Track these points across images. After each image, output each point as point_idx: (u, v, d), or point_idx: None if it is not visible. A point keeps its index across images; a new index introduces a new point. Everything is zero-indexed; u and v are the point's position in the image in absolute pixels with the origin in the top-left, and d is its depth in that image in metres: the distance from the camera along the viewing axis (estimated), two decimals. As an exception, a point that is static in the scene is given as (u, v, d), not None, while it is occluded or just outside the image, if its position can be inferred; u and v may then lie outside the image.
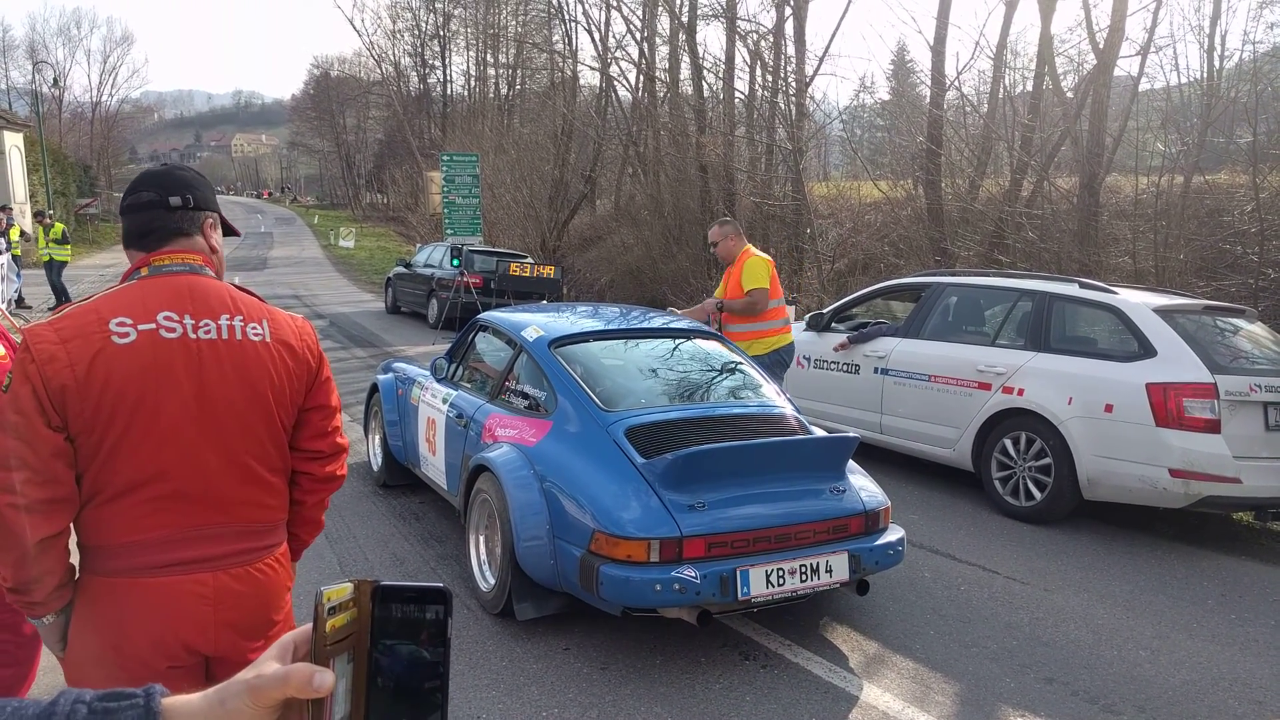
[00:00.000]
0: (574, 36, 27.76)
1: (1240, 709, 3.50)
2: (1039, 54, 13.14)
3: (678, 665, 3.68)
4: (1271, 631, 4.25)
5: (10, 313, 12.69)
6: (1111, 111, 11.86)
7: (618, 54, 23.29)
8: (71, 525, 1.70)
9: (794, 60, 16.62)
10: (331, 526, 5.00)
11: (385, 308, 17.53)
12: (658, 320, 5.19)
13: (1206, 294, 8.51)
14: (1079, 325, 6.08)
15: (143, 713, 0.63)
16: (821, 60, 17.49)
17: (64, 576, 1.70)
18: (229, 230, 1.97)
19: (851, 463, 4.10)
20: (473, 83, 43.22)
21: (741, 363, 4.75)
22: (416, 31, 47.58)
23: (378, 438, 6.17)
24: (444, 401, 5.05)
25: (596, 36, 23.69)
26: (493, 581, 4.09)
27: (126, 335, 1.66)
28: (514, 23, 36.54)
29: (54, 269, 15.39)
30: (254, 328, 1.80)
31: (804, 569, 3.61)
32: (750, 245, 6.07)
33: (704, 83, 19.31)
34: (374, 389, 6.26)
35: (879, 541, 3.88)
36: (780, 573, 3.56)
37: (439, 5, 44.59)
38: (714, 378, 4.61)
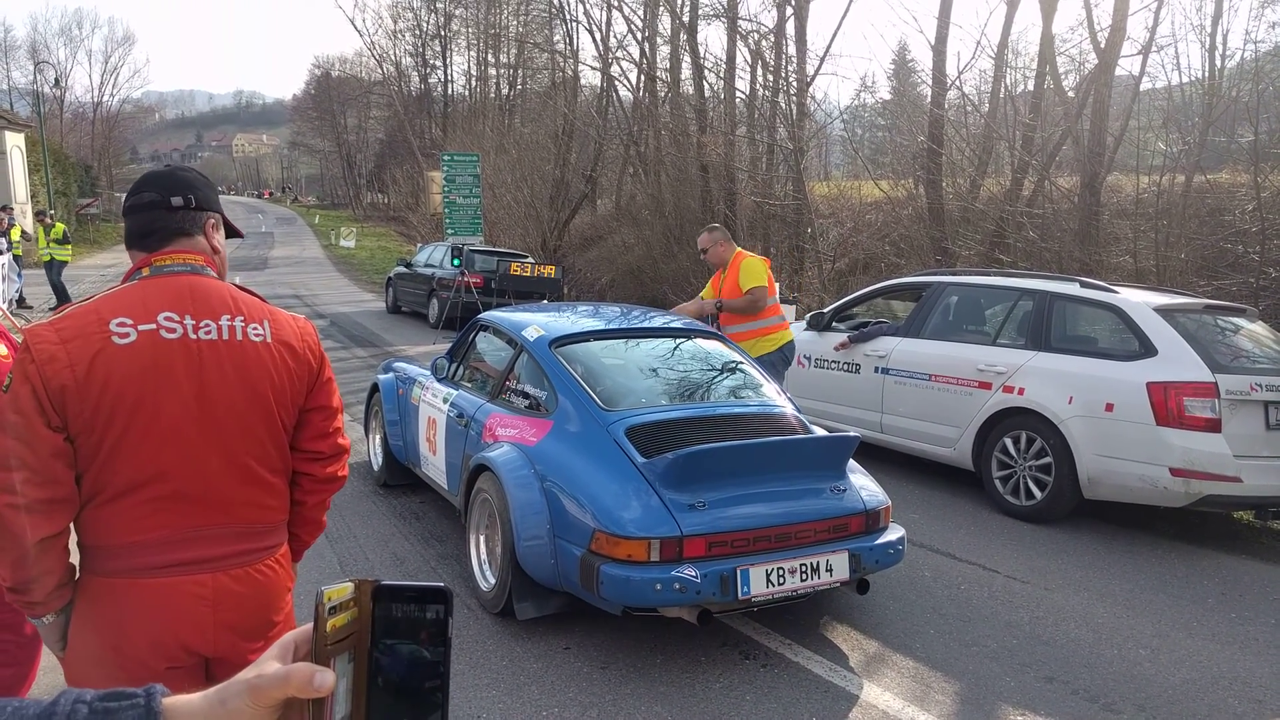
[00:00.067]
0: (575, 36, 27.78)
1: (1240, 708, 3.50)
2: (1040, 53, 13.13)
3: (678, 664, 3.68)
4: (1272, 630, 4.25)
5: (11, 313, 12.70)
6: (1113, 111, 11.86)
7: (619, 54, 23.31)
8: (71, 525, 1.70)
9: (795, 60, 16.62)
10: (332, 526, 5.00)
11: (386, 307, 17.53)
12: (658, 320, 5.20)
13: (1207, 293, 8.51)
14: (1080, 324, 6.08)
15: (143, 712, 0.64)
16: (822, 60, 17.49)
17: (63, 576, 1.70)
18: (232, 231, 1.97)
19: (852, 462, 4.10)
20: (474, 83, 43.23)
21: (742, 362, 4.75)
22: (418, 31, 47.62)
23: (378, 437, 6.17)
24: (445, 401, 5.05)
25: (597, 36, 23.72)
26: (493, 581, 4.10)
27: (127, 336, 1.66)
28: (515, 23, 36.54)
29: (55, 269, 15.40)
30: (255, 328, 1.80)
31: (804, 568, 3.62)
32: (740, 248, 6.11)
33: (705, 82, 19.31)
34: (374, 389, 6.26)
35: (879, 541, 3.88)
36: (780, 572, 3.56)
37: (440, 5, 44.61)
38: (714, 377, 4.61)
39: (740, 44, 17.93)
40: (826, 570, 3.67)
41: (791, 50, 16.74)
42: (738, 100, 18.44)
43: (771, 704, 3.40)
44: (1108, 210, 11.35)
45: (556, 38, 30.59)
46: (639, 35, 21.41)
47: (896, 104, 20.06)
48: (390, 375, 6.14)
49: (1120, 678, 3.71)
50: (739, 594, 3.46)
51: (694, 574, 3.39)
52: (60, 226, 15.96)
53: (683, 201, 18.39)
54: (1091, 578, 4.83)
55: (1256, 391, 5.23)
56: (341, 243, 34.98)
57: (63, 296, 15.05)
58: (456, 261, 13.95)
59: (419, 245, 21.37)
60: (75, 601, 1.73)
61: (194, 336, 1.72)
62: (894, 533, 3.98)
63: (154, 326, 1.69)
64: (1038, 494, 5.71)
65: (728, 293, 5.90)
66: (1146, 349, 5.40)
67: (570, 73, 26.96)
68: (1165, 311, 5.54)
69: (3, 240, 14.61)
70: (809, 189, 16.27)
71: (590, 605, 3.69)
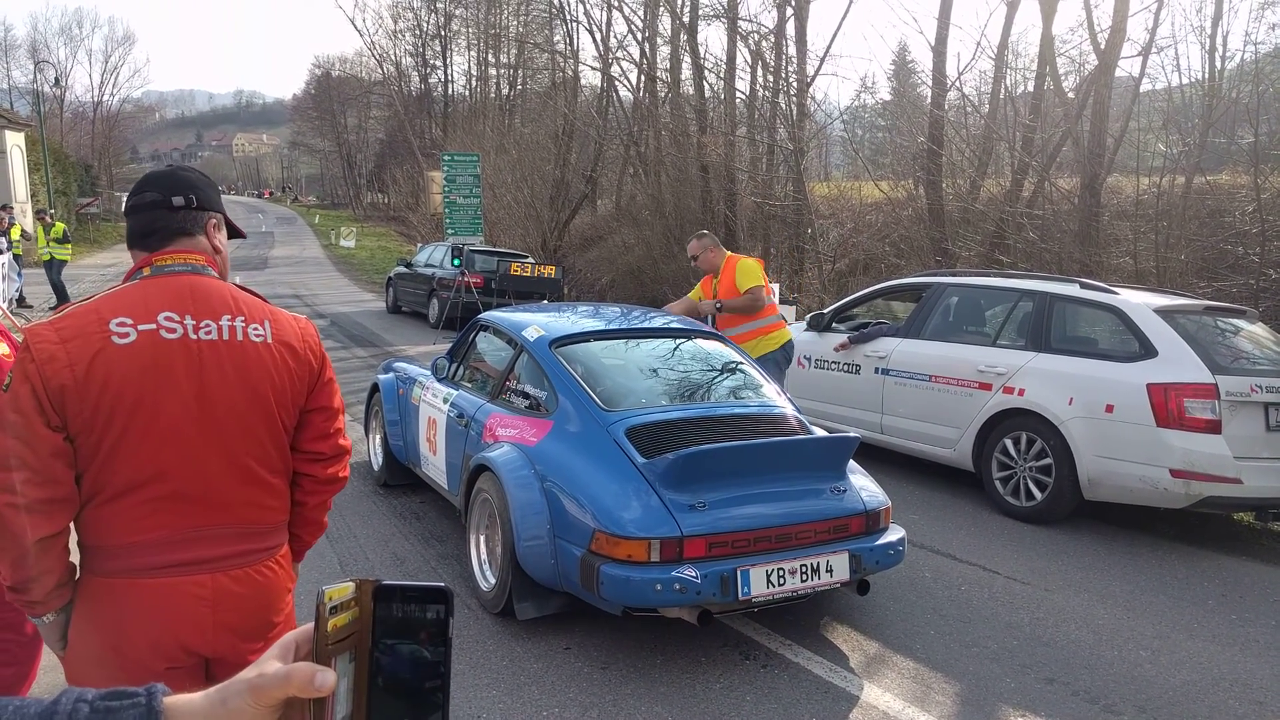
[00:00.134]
0: (575, 37, 27.79)
1: (1241, 709, 3.50)
2: (1040, 54, 13.14)
3: (678, 665, 3.68)
4: (1272, 632, 4.25)
5: (11, 312, 12.69)
6: (1113, 112, 11.86)
7: (619, 54, 23.31)
8: (72, 525, 1.70)
9: (795, 60, 16.62)
10: (332, 526, 5.00)
11: (386, 307, 17.53)
12: (658, 320, 5.19)
13: (1207, 294, 8.51)
14: (1080, 325, 6.08)
15: (145, 712, 0.63)
16: (822, 60, 17.47)
17: (63, 576, 1.70)
18: (234, 231, 1.96)
19: (852, 463, 4.10)
20: (474, 83, 43.25)
21: (742, 363, 4.75)
22: (418, 31, 47.63)
23: (378, 437, 6.17)
24: (445, 401, 5.05)
25: (598, 36, 23.72)
26: (493, 581, 4.09)
27: (126, 335, 1.66)
28: (515, 23, 36.55)
29: (54, 268, 15.40)
30: (255, 329, 1.79)
31: (804, 569, 3.61)
32: (729, 252, 6.16)
33: (705, 83, 19.32)
34: (375, 388, 6.26)
35: (879, 541, 3.88)
36: (781, 572, 3.56)
37: (440, 5, 44.61)
38: (714, 378, 4.61)
39: (740, 44, 17.95)
40: (827, 571, 3.66)
41: (792, 51, 16.75)
42: (738, 101, 18.44)
43: (772, 705, 3.39)
44: (1108, 211, 11.36)
45: (557, 38, 30.61)
46: (639, 35, 21.43)
47: (897, 105, 20.06)
48: (390, 375, 6.14)
49: (1121, 679, 3.71)
50: (739, 594, 3.46)
51: (694, 574, 3.39)
52: (60, 226, 15.96)
53: (683, 202, 18.39)
54: (1092, 579, 4.82)
55: (1257, 393, 5.23)
56: (342, 242, 34.98)
57: (62, 296, 15.05)
58: (457, 261, 13.95)
59: (419, 245, 21.37)
60: (75, 601, 1.73)
61: (194, 336, 1.72)
62: (894, 533, 3.98)
63: (154, 326, 1.69)
64: (1038, 495, 5.71)
65: (724, 295, 5.91)
66: (1147, 350, 5.40)
67: (570, 73, 26.98)
68: (1165, 313, 5.54)
69: (3, 240, 14.61)
70: (809, 189, 16.28)
71: (590, 605, 3.69)
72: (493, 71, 40.38)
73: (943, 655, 3.87)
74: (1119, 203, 11.64)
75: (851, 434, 4.03)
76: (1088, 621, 4.27)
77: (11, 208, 19.00)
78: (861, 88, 45.86)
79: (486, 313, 5.38)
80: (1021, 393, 5.81)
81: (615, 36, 23.82)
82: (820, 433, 4.23)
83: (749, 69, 17.98)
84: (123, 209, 2.05)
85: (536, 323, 4.72)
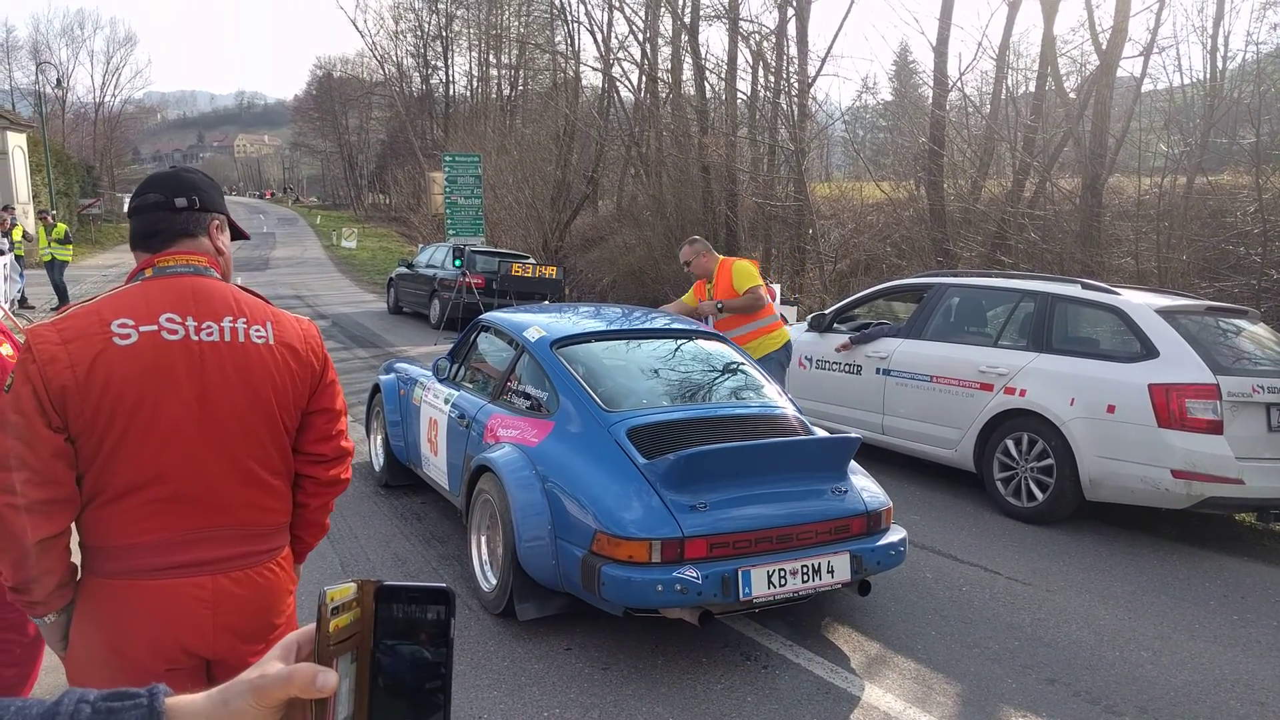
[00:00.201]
0: (576, 37, 27.81)
1: (1242, 710, 3.50)
2: (1042, 55, 13.13)
3: (679, 666, 3.68)
4: (1274, 633, 4.24)
5: (13, 313, 12.71)
6: (1114, 112, 11.86)
7: (620, 55, 23.31)
8: (74, 526, 1.70)
9: (796, 61, 16.63)
10: (333, 527, 4.99)
11: (387, 308, 17.54)
12: (660, 321, 5.20)
13: (1209, 295, 8.50)
14: (1081, 326, 6.08)
15: (146, 713, 0.63)
16: (824, 61, 17.43)
17: (64, 576, 1.70)
18: (237, 233, 1.95)
19: (853, 463, 4.10)
20: (475, 83, 43.26)
21: (743, 363, 4.75)
22: (419, 32, 47.63)
23: (379, 438, 6.17)
24: (446, 402, 5.05)
25: (599, 37, 23.72)
26: (494, 582, 4.09)
27: (128, 337, 1.66)
28: (516, 24, 36.57)
29: (56, 269, 15.42)
30: (257, 330, 1.79)
31: (805, 569, 3.61)
32: (721, 256, 6.18)
33: (706, 83, 19.33)
34: (376, 389, 6.27)
35: (881, 542, 3.88)
36: (782, 573, 3.56)
37: (441, 6, 44.63)
38: (716, 378, 4.61)
39: (741, 45, 17.95)
40: (828, 571, 3.66)
41: (793, 51, 16.75)
42: (739, 101, 18.45)
43: (773, 705, 3.39)
44: (1109, 212, 11.35)
45: (558, 39, 30.64)
46: (640, 36, 21.43)
47: (898, 105, 20.08)
48: (391, 376, 6.14)
49: (1122, 680, 3.70)
50: (740, 595, 3.46)
51: (695, 575, 3.39)
52: (62, 227, 15.98)
53: (684, 202, 18.39)
54: (1093, 579, 4.82)
55: (1258, 393, 5.23)
56: (343, 243, 35.00)
57: (64, 297, 15.07)
58: (458, 262, 13.95)
59: (420, 246, 21.39)
60: (77, 602, 1.73)
61: (196, 338, 1.72)
62: (895, 534, 3.98)
63: (155, 328, 1.69)
64: (1039, 495, 5.71)
65: (722, 297, 5.93)
66: (1148, 350, 5.40)
67: (571, 74, 27.00)
68: (1167, 313, 5.54)
69: (4, 240, 14.62)
70: (810, 190, 16.28)
71: (591, 606, 3.69)
72: (494, 72, 40.42)
73: (944, 656, 3.87)
74: (1120, 203, 11.63)
75: (853, 434, 4.03)
76: (1089, 622, 4.26)
77: (13, 209, 19.01)
78: (863, 88, 45.83)
79: (487, 313, 5.38)
80: (1023, 393, 5.81)
81: (616, 37, 23.85)
82: (821, 433, 4.22)
83: (750, 69, 18.01)
84: (125, 210, 2.04)
85: (538, 323, 4.72)
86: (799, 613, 4.20)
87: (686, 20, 19.06)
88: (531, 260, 16.13)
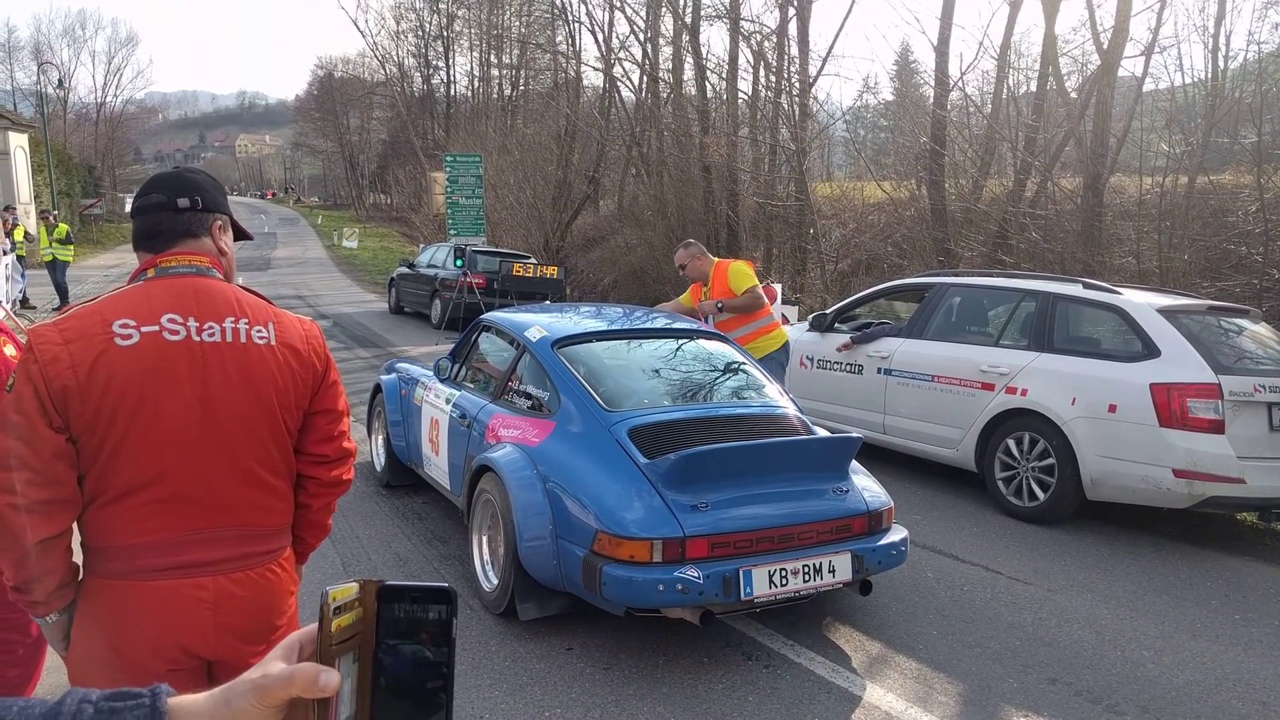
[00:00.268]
0: (577, 37, 27.83)
1: (1244, 710, 3.50)
2: (1043, 54, 13.12)
3: (681, 665, 3.68)
4: (1276, 632, 4.24)
5: (15, 313, 12.72)
6: (1115, 112, 11.85)
7: (621, 55, 23.31)
8: (75, 526, 1.70)
9: (797, 61, 16.62)
10: (334, 527, 4.99)
11: (388, 308, 17.55)
12: (661, 321, 5.20)
13: (1210, 294, 8.50)
14: (1083, 325, 6.07)
15: (149, 712, 0.63)
16: (825, 61, 17.42)
17: (65, 576, 1.70)
18: (240, 234, 1.95)
19: (854, 463, 4.10)
20: (476, 83, 43.28)
21: (744, 363, 4.75)
22: (420, 32, 47.64)
23: (381, 438, 6.18)
24: (447, 402, 5.05)
25: (600, 37, 23.74)
26: (495, 581, 4.10)
27: (129, 337, 1.66)
28: (518, 24, 36.58)
29: (57, 269, 15.43)
30: (259, 330, 1.79)
31: (807, 569, 3.61)
32: (715, 258, 6.21)
33: (707, 83, 19.33)
34: (377, 389, 6.27)
35: (882, 542, 3.87)
36: (783, 573, 3.56)
37: (443, 6, 44.64)
38: (717, 378, 4.61)
39: (743, 45, 17.94)
40: (829, 571, 3.66)
41: (794, 51, 16.75)
42: (740, 101, 18.45)
43: (774, 705, 3.39)
44: (1110, 211, 11.34)
45: (559, 38, 30.66)
46: (641, 36, 21.45)
47: (899, 105, 20.08)
48: (393, 376, 6.15)
49: (1124, 679, 3.70)
50: (741, 595, 3.46)
51: (696, 575, 3.39)
52: (63, 227, 15.99)
53: (685, 202, 18.39)
54: (1095, 579, 4.82)
55: (1260, 393, 5.22)
56: (344, 243, 35.00)
57: (65, 297, 15.08)
58: (459, 262, 13.96)
59: (421, 246, 21.39)
60: (78, 602, 1.73)
61: (197, 338, 1.72)
62: (897, 534, 3.98)
63: (157, 328, 1.69)
64: (1041, 495, 5.71)
65: (719, 299, 5.95)
66: (1150, 350, 5.40)
67: (573, 73, 27.01)
68: (1168, 313, 5.54)
69: (6, 241, 14.62)
70: (812, 190, 16.28)
71: (593, 606, 3.69)
72: (495, 72, 40.41)
73: (945, 655, 3.87)
74: (1122, 203, 11.62)
75: (854, 434, 4.03)
76: (1090, 622, 4.26)
77: (15, 209, 19.04)
78: (864, 88, 45.87)
79: (489, 313, 5.38)
80: (1024, 393, 5.81)
81: (618, 37, 23.85)
82: (822, 433, 4.23)
83: (751, 69, 18.01)
84: (128, 210, 2.04)
85: (539, 323, 4.72)
86: (800, 612, 4.20)
87: (687, 20, 19.06)
88: (533, 260, 16.14)
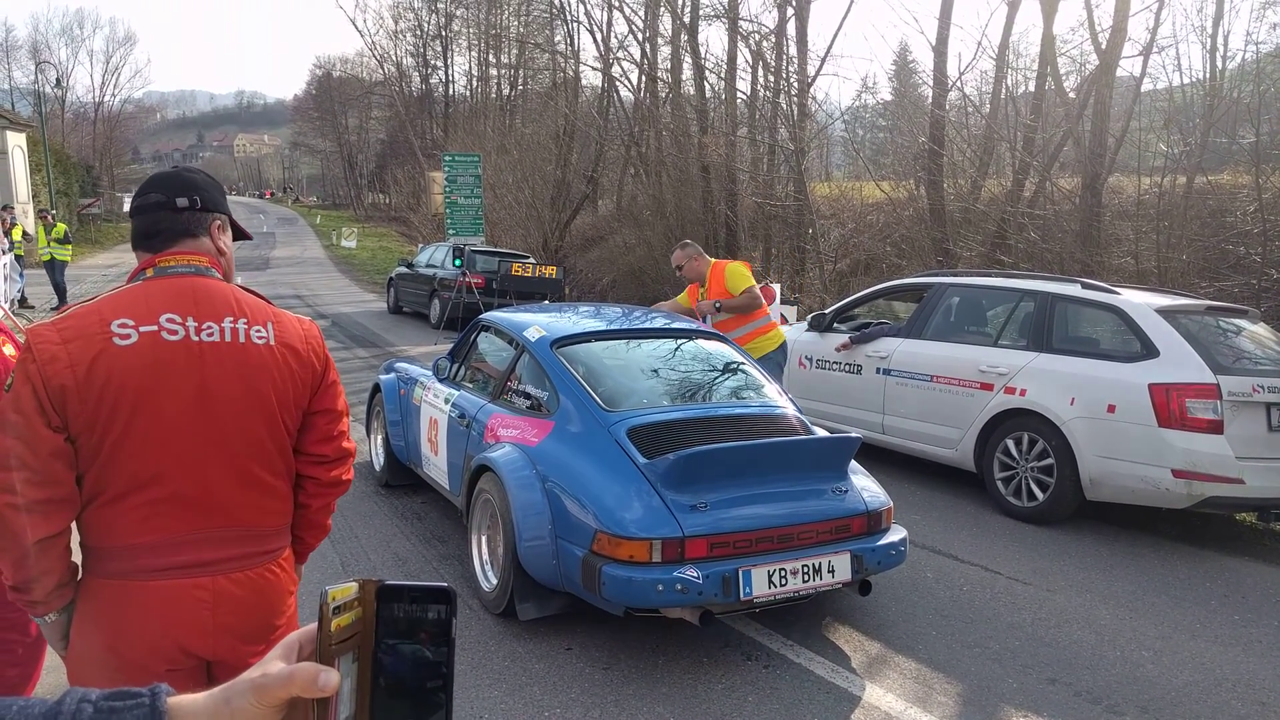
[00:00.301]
0: (576, 37, 27.79)
1: (1243, 710, 3.50)
2: (1041, 54, 13.13)
3: (680, 665, 3.68)
4: (1275, 632, 4.24)
5: (13, 312, 12.70)
6: (1114, 112, 11.85)
7: (620, 54, 23.31)
8: (74, 525, 1.70)
9: (796, 60, 16.63)
10: (334, 526, 5.00)
11: (387, 308, 17.55)
12: (660, 320, 5.20)
13: (1209, 294, 8.50)
14: (1081, 326, 6.08)
15: (148, 712, 0.63)
16: (823, 60, 17.41)
17: (64, 576, 1.69)
18: (239, 233, 1.95)
19: (854, 463, 4.10)
20: (475, 83, 43.26)
21: (743, 363, 4.75)
22: (419, 32, 47.62)
23: (380, 438, 6.18)
24: (446, 401, 5.05)
25: (598, 37, 23.73)
26: (495, 581, 4.09)
27: (128, 337, 1.66)
28: (516, 23, 36.56)
29: (56, 268, 15.42)
30: (258, 330, 1.79)
31: (806, 569, 3.61)
32: (713, 259, 6.22)
33: (706, 83, 19.32)
34: (376, 389, 6.27)
35: (881, 542, 3.87)
36: (782, 573, 3.56)
37: (441, 6, 44.61)
38: (716, 378, 4.61)
39: (741, 44, 17.95)
40: (828, 571, 3.66)
41: (792, 51, 16.76)
42: (739, 101, 18.45)
43: (773, 705, 3.39)
44: (1109, 211, 11.35)
45: (557, 38, 30.62)
46: (640, 36, 21.43)
47: (897, 105, 20.07)
48: (392, 375, 6.15)
49: (1123, 679, 3.70)
50: (741, 595, 3.46)
51: (696, 575, 3.39)
52: (61, 226, 15.98)
53: (684, 202, 18.39)
54: (1094, 579, 4.82)
55: (1259, 393, 5.23)
56: (343, 243, 35.00)
57: (64, 296, 15.07)
58: (458, 262, 13.96)
59: (420, 245, 21.39)
60: (77, 601, 1.73)
61: (196, 338, 1.71)
62: (896, 534, 3.98)
63: (155, 328, 1.68)
64: (1040, 495, 5.71)
65: (716, 299, 5.96)
66: (1148, 350, 5.40)
67: (571, 73, 27.00)
68: (1167, 313, 5.54)
69: (5, 240, 14.62)
70: (810, 190, 16.28)
71: (592, 606, 3.69)
72: (494, 72, 40.41)
73: (945, 655, 3.87)
74: (1120, 203, 11.63)
75: (853, 434, 4.03)
76: (1090, 622, 4.26)
77: (13, 208, 19.02)
78: (862, 88, 45.86)
79: (487, 313, 5.38)
80: (1023, 393, 5.81)
81: (616, 37, 23.85)
82: (822, 433, 4.23)
83: (750, 69, 18.01)
84: (127, 210, 2.04)
85: (538, 323, 4.72)
86: (799, 613, 4.20)
87: (686, 20, 19.06)
88: (531, 260, 16.13)
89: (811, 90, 16.55)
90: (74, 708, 0.63)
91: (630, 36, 22.58)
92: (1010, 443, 5.89)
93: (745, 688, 3.52)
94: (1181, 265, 9.81)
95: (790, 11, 16.30)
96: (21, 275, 15.58)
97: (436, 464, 5.11)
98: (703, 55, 19.16)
